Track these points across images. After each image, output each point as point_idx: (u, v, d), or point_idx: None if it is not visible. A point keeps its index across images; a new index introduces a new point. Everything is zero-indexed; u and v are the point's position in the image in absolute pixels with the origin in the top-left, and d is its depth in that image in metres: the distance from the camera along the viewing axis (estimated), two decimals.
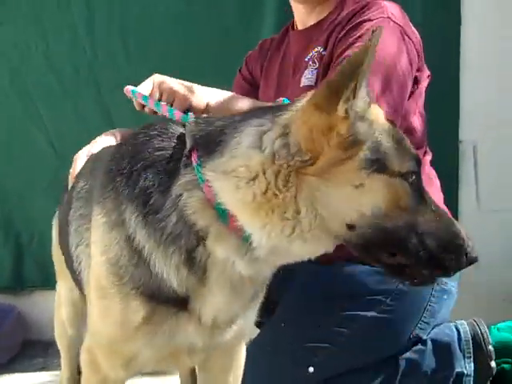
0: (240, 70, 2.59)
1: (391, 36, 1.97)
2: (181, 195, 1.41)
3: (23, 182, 3.46)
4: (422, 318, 2.15)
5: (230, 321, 1.58)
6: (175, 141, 1.50)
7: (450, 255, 1.39)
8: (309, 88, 2.00)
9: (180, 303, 1.48)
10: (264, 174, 1.35)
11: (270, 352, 2.13)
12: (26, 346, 3.51)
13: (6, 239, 3.54)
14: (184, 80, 3.02)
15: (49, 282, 3.46)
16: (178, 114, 1.90)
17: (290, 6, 2.32)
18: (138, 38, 3.32)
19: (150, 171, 1.46)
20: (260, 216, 1.35)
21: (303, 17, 2.24)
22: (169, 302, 1.48)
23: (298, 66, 2.25)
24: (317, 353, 2.10)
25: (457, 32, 3.10)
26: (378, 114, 1.41)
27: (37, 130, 3.41)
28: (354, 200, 1.33)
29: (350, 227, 1.35)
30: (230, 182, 1.37)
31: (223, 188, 1.38)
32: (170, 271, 1.45)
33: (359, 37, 1.93)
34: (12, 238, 3.54)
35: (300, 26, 2.29)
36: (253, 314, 1.70)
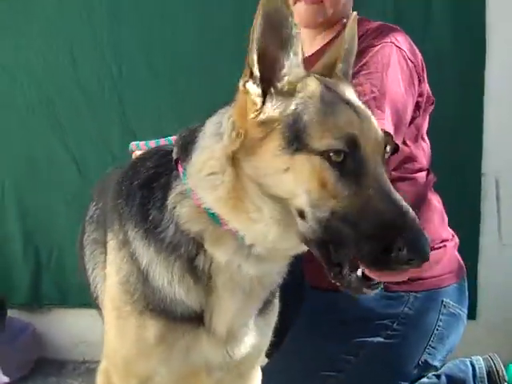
0: None
1: (398, 69, 1.95)
2: (174, 208, 1.44)
3: (44, 198, 3.45)
4: (430, 343, 2.11)
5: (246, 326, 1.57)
6: (168, 157, 1.53)
7: (380, 250, 1.17)
8: None
9: (193, 317, 1.48)
10: (227, 162, 1.34)
11: (281, 380, 2.11)
12: (40, 364, 3.47)
13: (25, 256, 3.54)
14: (209, 99, 3.00)
15: (66, 301, 3.48)
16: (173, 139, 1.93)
17: None
18: (163, 56, 3.30)
19: (145, 189, 1.51)
20: (241, 213, 1.34)
21: (309, 41, 2.21)
22: (180, 318, 1.48)
23: None
24: (326, 381, 2.08)
25: (481, 62, 3.07)
26: (309, 86, 1.33)
27: (60, 145, 3.41)
28: (287, 184, 1.25)
29: (301, 215, 1.27)
30: (205, 181, 1.38)
31: (202, 190, 1.39)
32: (174, 282, 1.45)
33: (363, 64, 1.92)
34: (31, 255, 3.54)
35: (306, 51, 2.29)
36: (269, 329, 1.67)
